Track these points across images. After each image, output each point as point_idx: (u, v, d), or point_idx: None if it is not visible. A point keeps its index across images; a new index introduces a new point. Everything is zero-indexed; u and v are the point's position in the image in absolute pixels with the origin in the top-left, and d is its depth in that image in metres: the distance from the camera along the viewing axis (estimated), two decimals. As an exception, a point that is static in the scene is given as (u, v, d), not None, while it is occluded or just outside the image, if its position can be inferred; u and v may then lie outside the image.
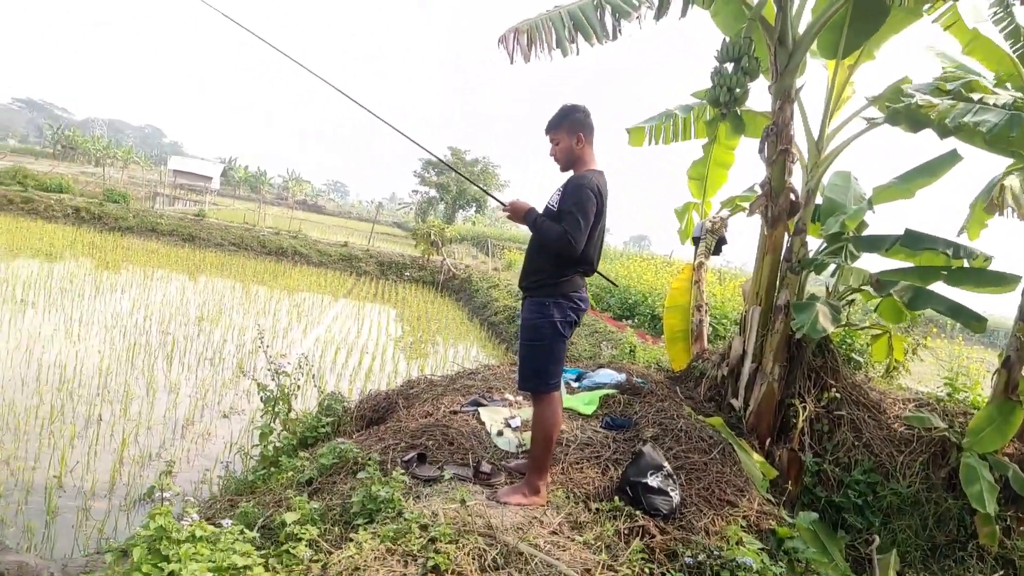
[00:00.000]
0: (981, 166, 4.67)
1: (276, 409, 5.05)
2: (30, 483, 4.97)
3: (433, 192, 54.99)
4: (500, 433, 4.24)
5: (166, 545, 2.43)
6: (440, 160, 5.25)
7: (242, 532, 2.72)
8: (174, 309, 11.95)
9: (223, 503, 3.98)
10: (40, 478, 5.08)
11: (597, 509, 3.33)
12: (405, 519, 2.81)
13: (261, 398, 5.09)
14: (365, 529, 2.82)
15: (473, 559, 2.64)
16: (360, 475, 3.42)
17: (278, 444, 4.90)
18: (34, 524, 4.45)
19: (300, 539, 2.73)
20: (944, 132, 4.51)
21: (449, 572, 2.53)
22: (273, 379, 5.13)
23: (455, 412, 4.59)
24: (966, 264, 4.69)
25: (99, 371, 7.67)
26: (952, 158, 5.15)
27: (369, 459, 3.53)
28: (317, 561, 2.62)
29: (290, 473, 3.96)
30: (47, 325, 9.43)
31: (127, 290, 13.14)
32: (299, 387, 5.28)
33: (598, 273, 3.63)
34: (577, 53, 4.73)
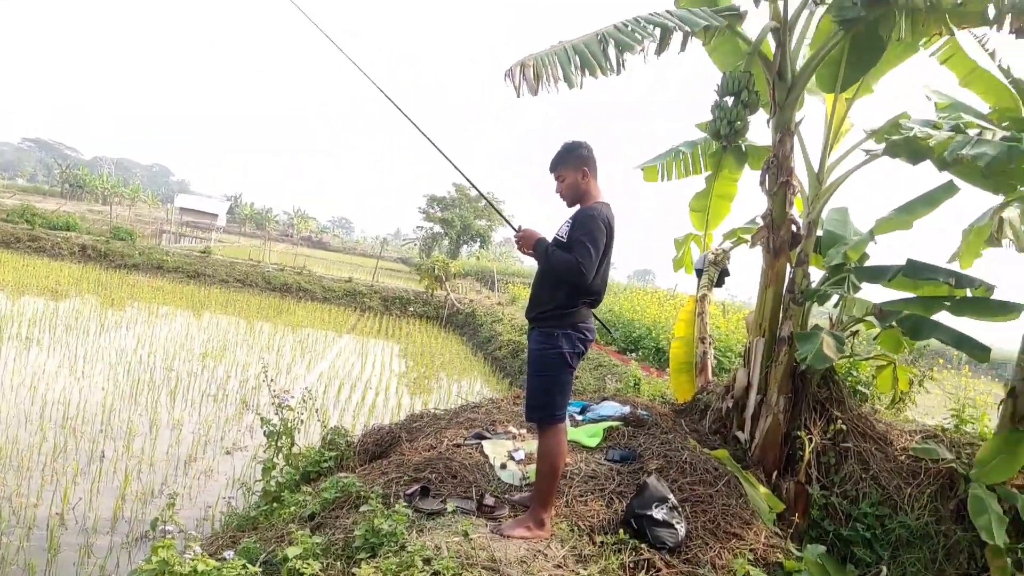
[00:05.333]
0: (972, 193, 4.71)
1: (279, 443, 5.03)
2: (32, 520, 4.93)
3: (437, 228, 55.27)
4: (504, 466, 4.21)
5: (168, 579, 2.42)
6: (472, 183, 5.20)
7: (244, 567, 2.71)
8: (178, 346, 11.95)
9: (225, 539, 3.95)
10: (42, 514, 5.04)
11: (602, 542, 3.30)
12: (408, 552, 2.79)
13: (264, 432, 5.08)
14: (368, 563, 2.79)
15: (477, 593, 2.61)
16: (363, 509, 3.40)
17: (280, 479, 4.87)
18: (35, 562, 4.40)
19: (302, 574, 2.71)
20: (942, 164, 4.55)
21: (452, 606, 2.50)
22: (276, 413, 5.12)
23: (458, 445, 4.57)
24: (968, 294, 4.70)
25: (103, 408, 7.66)
26: (949, 189, 5.18)
27: (372, 493, 3.51)
28: (319, 596, 2.59)
29: (292, 508, 3.93)
30: (51, 362, 9.44)
31: (132, 327, 13.16)
32: (302, 421, 5.27)
33: (594, 316, 3.63)
34: (581, 86, 4.81)
